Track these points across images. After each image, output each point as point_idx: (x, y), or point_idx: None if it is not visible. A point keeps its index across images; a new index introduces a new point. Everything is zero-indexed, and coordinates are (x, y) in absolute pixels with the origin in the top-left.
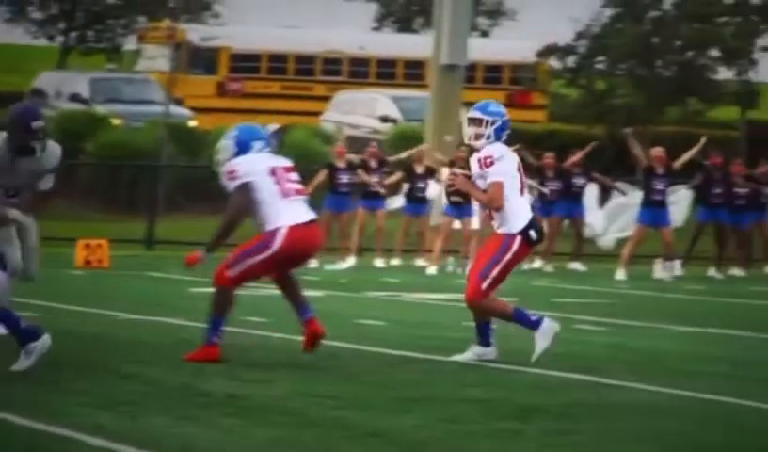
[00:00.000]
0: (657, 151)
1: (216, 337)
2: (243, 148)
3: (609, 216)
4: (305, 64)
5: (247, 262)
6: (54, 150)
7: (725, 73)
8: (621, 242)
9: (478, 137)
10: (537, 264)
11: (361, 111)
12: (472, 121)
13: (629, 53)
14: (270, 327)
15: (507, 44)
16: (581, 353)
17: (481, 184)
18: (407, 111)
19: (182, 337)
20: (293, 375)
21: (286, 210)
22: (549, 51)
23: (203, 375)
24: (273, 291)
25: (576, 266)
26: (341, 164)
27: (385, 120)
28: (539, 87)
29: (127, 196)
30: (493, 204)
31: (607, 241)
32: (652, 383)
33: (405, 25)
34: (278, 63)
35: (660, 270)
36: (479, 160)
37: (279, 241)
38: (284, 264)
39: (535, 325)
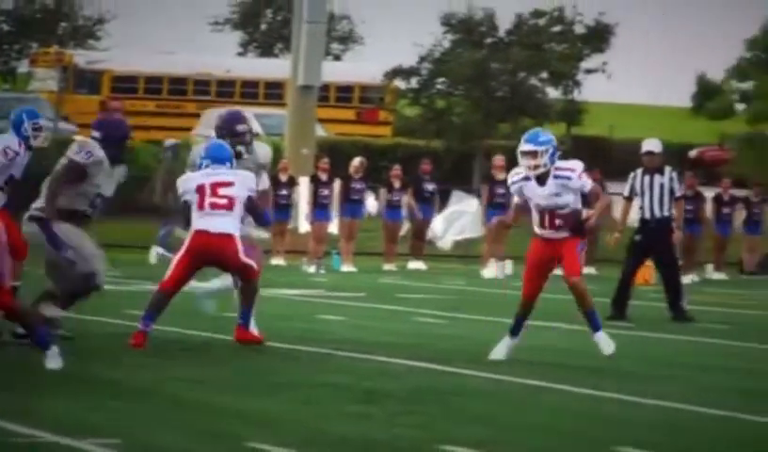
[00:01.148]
0: (498, 159)
1: (143, 325)
2: (199, 165)
3: (447, 220)
4: (178, 85)
5: (173, 262)
6: (262, 150)
7: (552, 93)
8: (458, 244)
9: (537, 167)
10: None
11: None
12: (527, 154)
13: (466, 76)
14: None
15: (357, 67)
16: (423, 343)
17: (567, 197)
18: (268, 127)
19: (80, 331)
20: (168, 362)
21: (199, 220)
22: (394, 73)
23: (89, 362)
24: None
25: (417, 264)
26: None
27: None
28: (386, 105)
29: (24, 204)
30: (608, 203)
31: (445, 243)
32: (486, 371)
33: (266, 50)
34: (154, 84)
35: (492, 269)
36: (577, 176)
37: (187, 242)
38: (201, 264)
39: (595, 328)
